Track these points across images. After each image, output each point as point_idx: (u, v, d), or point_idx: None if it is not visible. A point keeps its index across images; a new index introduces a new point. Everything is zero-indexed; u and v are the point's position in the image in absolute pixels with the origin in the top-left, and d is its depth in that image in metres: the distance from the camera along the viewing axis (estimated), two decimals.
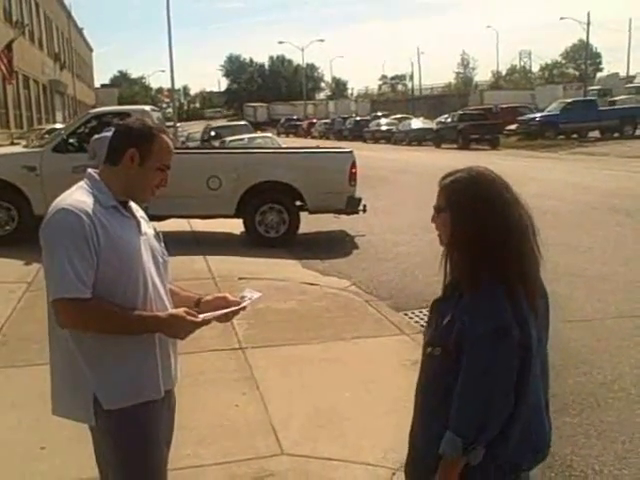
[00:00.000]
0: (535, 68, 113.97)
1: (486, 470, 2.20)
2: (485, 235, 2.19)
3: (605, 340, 6.57)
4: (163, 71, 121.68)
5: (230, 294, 2.88)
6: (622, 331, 6.80)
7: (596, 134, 38.24)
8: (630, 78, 71.30)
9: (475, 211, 2.20)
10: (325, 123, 62.36)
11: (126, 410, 2.54)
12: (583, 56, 78.51)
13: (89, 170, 2.66)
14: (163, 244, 2.78)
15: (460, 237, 2.23)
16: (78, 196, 2.51)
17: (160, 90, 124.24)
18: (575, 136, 37.65)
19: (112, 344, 2.51)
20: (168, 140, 2.65)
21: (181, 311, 2.57)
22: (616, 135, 37.39)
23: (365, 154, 22.36)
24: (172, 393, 2.83)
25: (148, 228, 2.74)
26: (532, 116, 40.84)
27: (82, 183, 2.61)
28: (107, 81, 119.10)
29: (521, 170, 22.50)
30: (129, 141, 2.59)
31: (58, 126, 26.39)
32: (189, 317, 2.54)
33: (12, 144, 24.01)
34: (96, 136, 10.30)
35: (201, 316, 2.60)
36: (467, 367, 2.14)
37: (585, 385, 5.54)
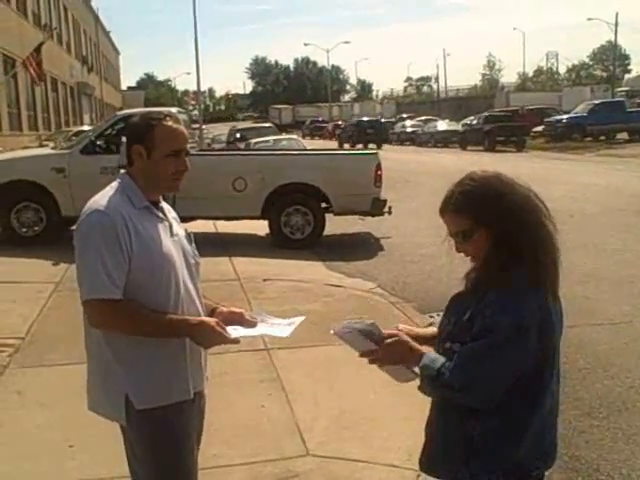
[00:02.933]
0: (562, 70, 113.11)
1: (495, 476, 2.21)
2: (523, 242, 2.16)
3: (633, 343, 6.50)
4: (189, 74, 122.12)
5: (246, 312, 2.83)
6: None
7: (624, 136, 37.79)
8: None
9: (515, 221, 2.17)
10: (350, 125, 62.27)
11: (157, 410, 2.57)
12: (611, 57, 77.70)
13: (122, 171, 2.68)
14: (194, 245, 2.78)
15: (496, 251, 2.19)
16: (111, 197, 2.53)
17: (186, 92, 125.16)
18: (603, 138, 37.27)
19: (143, 345, 2.53)
20: (172, 125, 2.60)
21: (212, 321, 2.57)
22: None
23: (390, 156, 22.32)
24: (202, 394, 2.84)
25: (180, 229, 2.75)
26: (559, 118, 40.51)
27: (115, 184, 2.62)
28: (134, 83, 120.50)
29: (548, 172, 22.33)
30: (132, 139, 2.61)
31: (85, 128, 26.63)
32: (218, 328, 2.54)
33: (40, 146, 24.23)
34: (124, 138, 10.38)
35: (233, 334, 2.60)
36: (475, 345, 2.12)
37: (612, 389, 5.49)
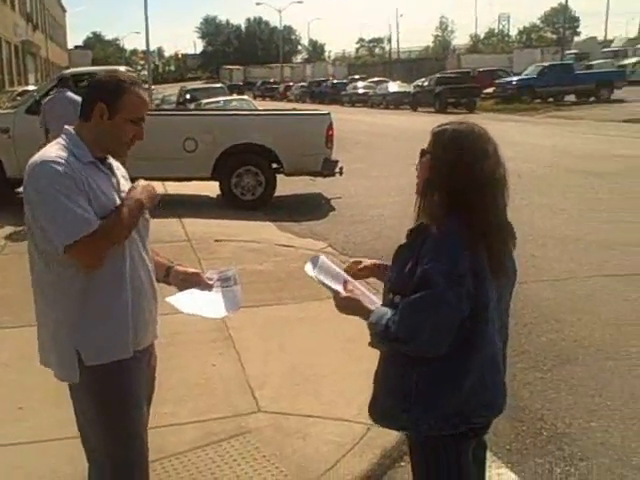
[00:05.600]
0: (513, 32, 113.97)
1: (435, 422, 2.29)
2: (459, 183, 2.22)
3: (576, 299, 6.68)
4: (138, 33, 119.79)
5: (203, 273, 2.89)
6: (593, 290, 6.92)
7: (572, 98, 38.29)
8: (607, 42, 71.35)
9: (455, 158, 2.24)
10: (302, 86, 61.92)
11: (105, 367, 2.55)
12: (561, 20, 78.27)
13: (66, 126, 2.62)
14: None
15: (435, 180, 2.26)
16: (56, 151, 2.47)
17: (134, 52, 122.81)
18: (551, 100, 37.68)
19: (86, 304, 2.51)
20: (140, 92, 2.60)
21: (145, 182, 2.72)
22: (592, 99, 37.44)
23: (342, 117, 22.27)
24: (153, 350, 2.84)
25: (128, 186, 2.71)
26: (509, 80, 40.81)
27: (59, 139, 2.56)
28: (80, 43, 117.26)
29: (498, 133, 22.30)
30: (98, 95, 2.55)
31: (30, 88, 26.00)
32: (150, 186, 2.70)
33: None
34: (47, 98, 10.08)
35: (185, 308, 2.75)
36: (416, 297, 2.17)
37: (556, 342, 5.65)
